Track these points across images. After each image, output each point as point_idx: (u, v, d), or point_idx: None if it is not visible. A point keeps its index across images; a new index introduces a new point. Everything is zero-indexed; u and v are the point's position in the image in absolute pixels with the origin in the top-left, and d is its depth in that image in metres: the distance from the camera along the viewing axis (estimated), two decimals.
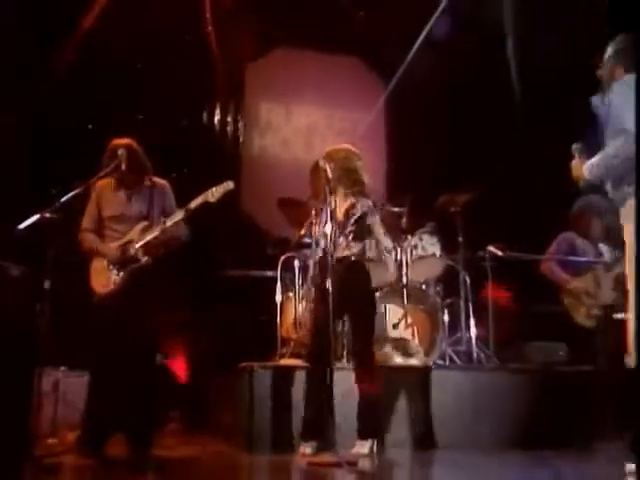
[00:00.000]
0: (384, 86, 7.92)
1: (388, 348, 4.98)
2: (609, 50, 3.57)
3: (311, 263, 4.33)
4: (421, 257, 5.28)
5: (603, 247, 5.17)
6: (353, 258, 4.17)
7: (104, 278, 4.09)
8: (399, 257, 5.24)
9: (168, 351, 5.68)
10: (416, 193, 5.67)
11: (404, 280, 5.18)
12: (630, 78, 3.38)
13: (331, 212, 4.00)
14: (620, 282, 4.33)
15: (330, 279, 3.83)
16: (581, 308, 5.05)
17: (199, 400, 5.66)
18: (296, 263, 5.25)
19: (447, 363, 5.14)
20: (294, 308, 5.19)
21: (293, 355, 4.95)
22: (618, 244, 3.92)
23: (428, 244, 5.31)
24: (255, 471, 3.94)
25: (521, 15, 6.84)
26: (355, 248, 4.16)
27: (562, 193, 4.87)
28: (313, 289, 4.28)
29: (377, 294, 5.21)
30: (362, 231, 4.17)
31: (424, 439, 4.47)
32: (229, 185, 4.07)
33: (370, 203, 4.23)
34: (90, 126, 6.51)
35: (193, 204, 4.04)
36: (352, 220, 4.20)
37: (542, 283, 5.38)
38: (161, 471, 3.68)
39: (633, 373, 3.27)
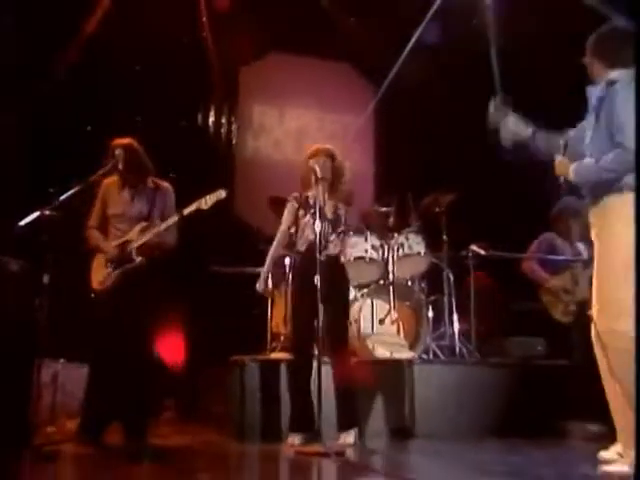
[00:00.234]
0: (373, 91, 7.96)
1: (374, 342, 5.05)
2: (589, 42, 3.41)
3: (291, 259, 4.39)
4: (407, 255, 5.33)
5: (581, 246, 5.23)
6: (342, 257, 4.33)
7: (101, 275, 4.13)
8: (386, 255, 5.31)
9: (163, 345, 5.71)
10: (403, 194, 5.74)
11: (390, 277, 5.24)
12: (627, 75, 3.22)
13: (320, 209, 4.03)
14: None
15: (319, 275, 3.85)
16: (559, 305, 5.11)
17: (193, 391, 5.70)
18: (287, 260, 5.28)
19: (431, 357, 5.20)
20: (284, 304, 5.23)
21: (283, 349, 5.00)
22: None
23: (414, 243, 5.36)
24: (245, 459, 3.98)
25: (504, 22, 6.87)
26: (340, 247, 4.30)
27: (542, 195, 4.93)
28: (297, 283, 4.34)
29: (365, 290, 5.31)
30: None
31: (407, 429, 4.54)
32: (221, 194, 4.11)
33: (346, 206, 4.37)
34: (89, 127, 6.53)
35: (186, 211, 4.09)
36: (342, 219, 4.30)
37: (522, 281, 5.44)
38: (156, 458, 3.71)
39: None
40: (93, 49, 6.43)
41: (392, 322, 5.13)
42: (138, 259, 4.07)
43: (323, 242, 4.03)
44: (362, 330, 5.07)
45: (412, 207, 5.73)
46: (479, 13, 6.82)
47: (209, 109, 7.63)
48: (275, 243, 4.39)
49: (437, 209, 5.62)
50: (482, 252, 5.49)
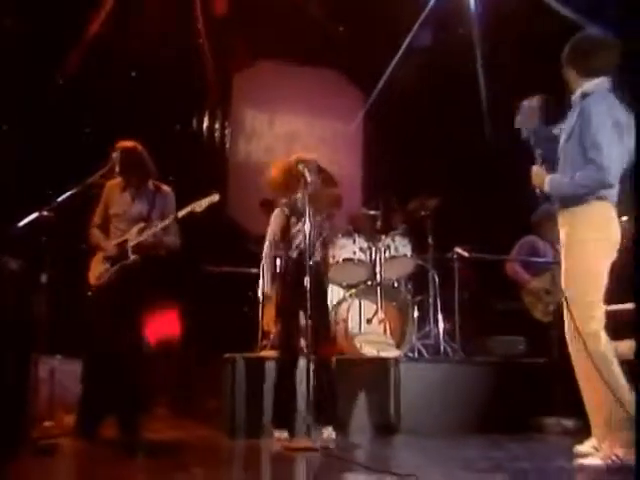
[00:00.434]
0: (362, 98, 8.05)
1: (362, 341, 5.09)
2: (564, 51, 3.41)
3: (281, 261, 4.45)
4: (394, 257, 5.37)
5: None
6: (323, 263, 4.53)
7: (98, 271, 4.19)
8: (373, 257, 5.36)
9: (156, 340, 5.72)
10: (390, 197, 5.79)
11: (378, 278, 5.29)
12: (602, 84, 3.27)
13: (309, 215, 4.08)
14: None
15: (308, 278, 3.93)
16: (539, 305, 5.19)
17: (185, 387, 5.72)
18: (278, 261, 5.31)
19: (417, 356, 5.25)
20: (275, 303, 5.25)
21: (273, 347, 5.03)
22: None
23: (400, 245, 5.41)
24: (235, 454, 4.02)
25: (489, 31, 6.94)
26: (322, 253, 4.45)
27: (524, 200, 4.98)
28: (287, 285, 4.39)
29: (353, 291, 5.35)
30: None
31: (393, 426, 4.59)
32: (214, 198, 4.18)
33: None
34: (87, 130, 6.55)
35: (180, 214, 4.15)
36: (326, 225, 4.38)
37: (504, 282, 5.50)
38: (149, 453, 3.74)
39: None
40: (91, 55, 6.43)
41: (379, 322, 5.18)
42: (132, 257, 4.12)
43: (311, 249, 4.11)
44: (350, 329, 5.12)
45: (398, 210, 5.79)
46: (465, 22, 6.95)
47: (203, 114, 7.67)
48: (268, 251, 4.46)
49: (423, 212, 5.67)
50: (466, 254, 5.55)
